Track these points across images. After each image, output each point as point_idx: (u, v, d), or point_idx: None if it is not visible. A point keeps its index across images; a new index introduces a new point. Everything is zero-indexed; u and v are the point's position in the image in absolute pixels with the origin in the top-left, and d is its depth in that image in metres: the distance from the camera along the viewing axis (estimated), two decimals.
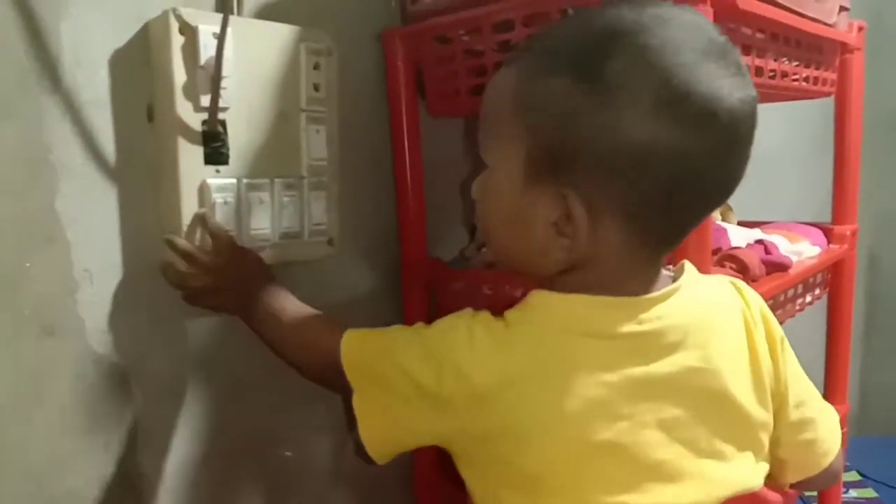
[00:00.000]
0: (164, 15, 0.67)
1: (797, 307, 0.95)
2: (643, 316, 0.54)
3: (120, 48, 0.68)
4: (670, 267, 0.60)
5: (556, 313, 0.54)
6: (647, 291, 0.55)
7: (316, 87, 0.77)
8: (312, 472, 0.88)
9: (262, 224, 0.74)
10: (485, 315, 0.56)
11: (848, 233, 1.04)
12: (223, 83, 0.68)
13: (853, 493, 1.70)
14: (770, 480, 0.62)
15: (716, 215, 1.02)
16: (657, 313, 0.54)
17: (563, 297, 0.55)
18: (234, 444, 0.80)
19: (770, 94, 0.93)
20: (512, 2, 0.75)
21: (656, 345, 0.54)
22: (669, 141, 0.49)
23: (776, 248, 0.88)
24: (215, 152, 0.70)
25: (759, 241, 0.88)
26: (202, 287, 0.69)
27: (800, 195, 1.90)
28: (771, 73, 0.82)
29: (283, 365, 0.82)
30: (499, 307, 0.57)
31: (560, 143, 0.51)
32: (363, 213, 0.89)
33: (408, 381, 0.55)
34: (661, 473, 0.53)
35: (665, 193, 0.51)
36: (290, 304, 0.68)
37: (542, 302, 0.55)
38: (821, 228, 1.04)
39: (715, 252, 0.81)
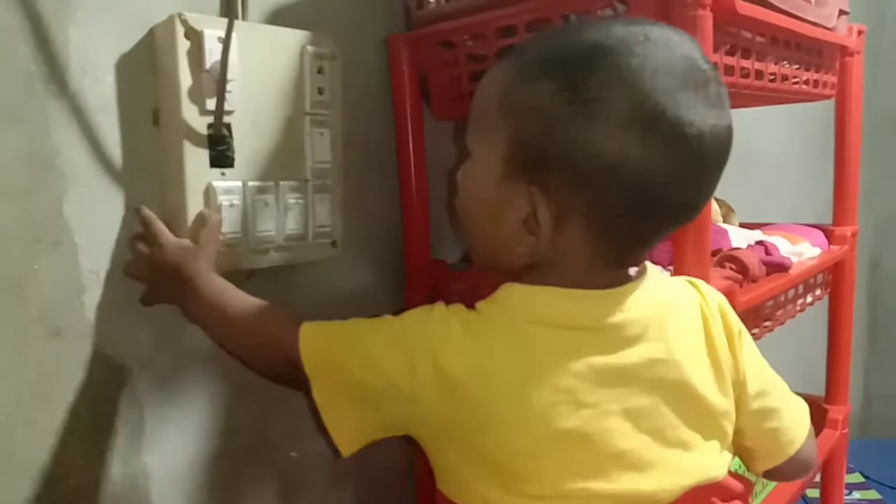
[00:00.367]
0: (170, 20, 0.67)
1: (798, 307, 0.95)
2: (607, 308, 0.56)
3: (126, 53, 0.68)
4: (634, 268, 0.62)
5: (524, 304, 0.56)
6: (612, 284, 0.57)
7: (320, 91, 0.77)
8: (317, 472, 0.88)
9: (268, 226, 0.74)
10: (458, 307, 0.58)
11: (848, 234, 1.04)
12: (228, 87, 0.68)
13: (857, 494, 1.70)
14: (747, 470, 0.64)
15: (717, 217, 1.02)
16: (620, 307, 0.56)
17: (530, 289, 0.57)
18: (239, 445, 0.80)
19: (770, 97, 0.94)
20: (515, 8, 0.76)
21: (619, 336, 0.55)
22: (637, 159, 0.51)
23: (777, 249, 0.88)
24: (221, 155, 0.70)
25: (760, 243, 0.88)
26: (142, 278, 0.69)
27: (802, 197, 1.90)
28: (771, 77, 0.82)
29: None
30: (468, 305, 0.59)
31: (536, 145, 0.53)
32: (367, 215, 0.90)
33: (375, 370, 0.55)
34: (627, 462, 0.54)
35: (628, 208, 0.53)
36: (234, 293, 0.65)
37: (510, 293, 0.57)
38: (821, 230, 1.04)
39: (716, 253, 0.82)
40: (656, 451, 0.56)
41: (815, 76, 0.93)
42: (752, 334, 0.82)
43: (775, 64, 0.83)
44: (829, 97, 1.00)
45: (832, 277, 1.07)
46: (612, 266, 0.57)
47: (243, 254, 0.73)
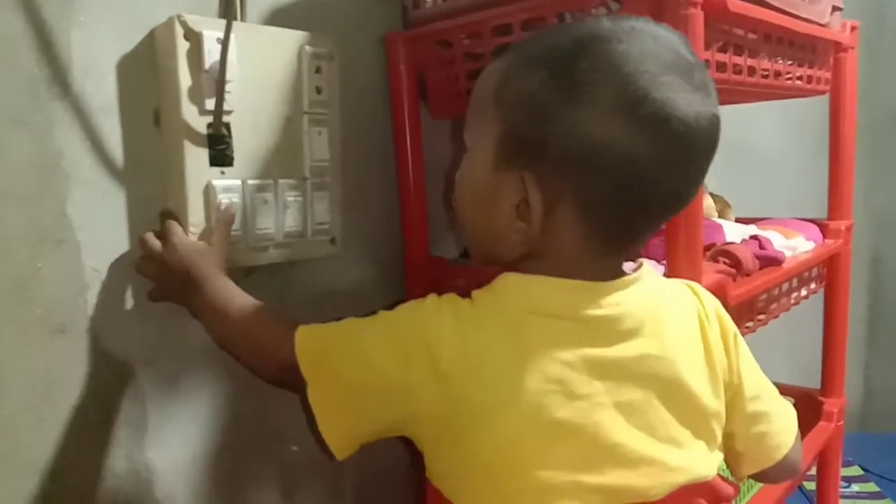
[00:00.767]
0: (170, 22, 0.68)
1: (792, 301, 0.96)
2: (603, 301, 0.56)
3: (127, 55, 0.69)
4: (630, 265, 0.62)
5: (519, 293, 0.56)
6: (608, 277, 0.57)
7: (318, 91, 0.78)
8: (318, 466, 0.89)
9: (267, 224, 0.75)
10: (451, 296, 0.58)
11: (843, 228, 1.05)
12: (227, 87, 0.69)
13: (856, 487, 1.71)
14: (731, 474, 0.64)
15: (712, 212, 1.03)
16: (616, 300, 0.56)
17: (526, 278, 0.57)
18: (241, 440, 0.82)
19: (764, 93, 0.95)
20: (510, 7, 0.76)
21: (614, 329, 0.56)
22: (622, 142, 0.52)
23: (770, 243, 0.89)
24: (220, 154, 0.71)
25: (754, 237, 0.89)
26: (151, 276, 0.69)
27: (799, 192, 1.91)
28: (764, 73, 0.83)
29: None
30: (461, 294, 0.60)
31: (527, 131, 0.55)
32: (366, 212, 0.91)
33: (369, 367, 0.56)
34: (618, 456, 0.54)
35: (615, 193, 0.53)
36: (237, 298, 0.66)
37: (507, 282, 0.58)
38: (816, 224, 1.05)
39: (710, 247, 0.83)
40: (648, 447, 0.55)
41: (809, 72, 0.94)
42: (746, 328, 0.83)
43: (768, 60, 0.83)
44: (823, 93, 1.01)
45: (827, 271, 1.08)
46: (604, 255, 0.57)
47: (243, 251, 0.75)
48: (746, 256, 0.80)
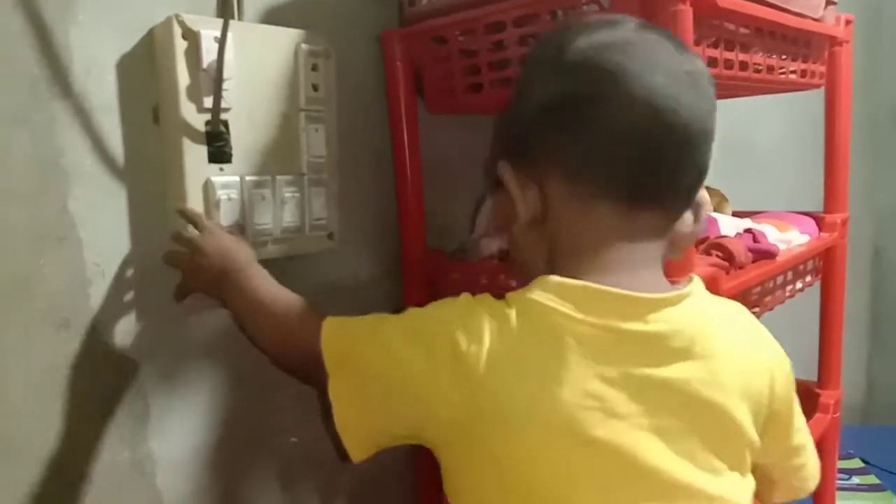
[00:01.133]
0: (168, 21, 0.69)
1: (787, 293, 0.97)
2: (651, 316, 0.53)
3: (126, 54, 0.71)
4: (678, 280, 0.61)
5: (561, 297, 0.53)
6: (652, 290, 0.55)
7: (315, 88, 0.80)
8: (317, 458, 0.90)
9: (265, 219, 0.77)
10: (485, 296, 0.56)
11: (838, 221, 1.06)
12: (225, 85, 0.71)
13: (856, 479, 1.71)
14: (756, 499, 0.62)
15: (708, 206, 1.04)
16: (665, 316, 0.53)
17: (568, 283, 0.54)
18: (241, 432, 0.83)
19: (758, 88, 0.95)
20: (504, 4, 0.77)
21: (661, 348, 0.53)
22: (570, 89, 0.55)
23: (765, 236, 0.90)
24: (219, 151, 0.72)
25: (748, 231, 0.90)
26: (185, 265, 0.69)
27: (801, 186, 1.91)
28: (756, 67, 0.84)
29: None
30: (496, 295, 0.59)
31: (507, 130, 0.59)
32: (363, 207, 0.92)
33: (392, 361, 0.54)
34: (655, 482, 0.52)
35: (588, 152, 0.55)
36: (267, 286, 0.66)
37: (546, 285, 0.54)
38: (813, 217, 1.06)
39: (704, 241, 0.84)
40: (687, 474, 0.53)
41: (804, 66, 0.95)
42: None
43: (761, 55, 0.84)
44: (818, 86, 1.01)
45: (823, 264, 1.08)
46: (630, 227, 0.55)
47: None
48: (739, 250, 0.81)
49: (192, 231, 0.70)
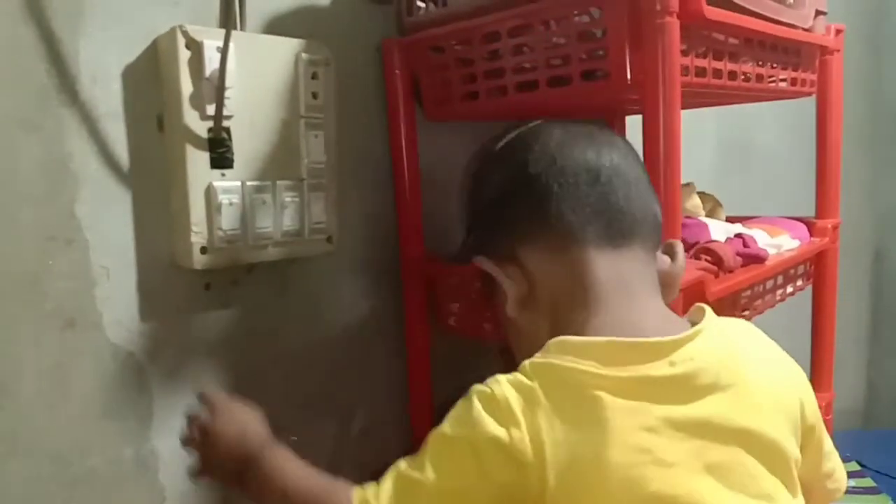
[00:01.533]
0: (172, 31, 0.72)
1: (778, 297, 0.99)
2: (674, 358, 0.53)
3: (131, 63, 0.73)
4: (684, 314, 0.63)
5: (579, 356, 0.53)
6: (667, 332, 0.55)
7: (314, 96, 0.82)
8: (317, 454, 0.91)
9: (266, 223, 0.79)
10: (499, 379, 0.54)
11: (829, 226, 1.07)
12: (227, 93, 0.73)
13: (851, 482, 1.72)
14: None
15: (700, 211, 1.06)
16: (688, 354, 0.54)
17: (584, 340, 0.54)
18: None
19: (748, 96, 0.97)
20: (499, 15, 0.79)
21: (690, 387, 0.53)
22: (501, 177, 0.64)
23: (754, 241, 0.92)
24: (221, 157, 0.75)
25: (738, 235, 0.92)
26: (202, 451, 0.65)
27: (799, 191, 1.92)
28: (745, 77, 0.85)
29: (287, 355, 0.87)
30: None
31: (476, 229, 0.69)
32: (362, 212, 0.94)
33: (444, 496, 0.52)
34: None
35: (527, 211, 0.61)
36: (287, 473, 0.62)
37: (562, 346, 0.54)
38: (804, 222, 1.08)
39: (694, 245, 0.86)
40: None
41: (794, 74, 0.96)
42: None
43: (750, 64, 0.86)
44: (808, 94, 1.03)
45: (814, 268, 1.10)
46: (615, 269, 0.58)
47: (243, 249, 0.78)
48: (728, 254, 0.83)
49: (204, 416, 0.66)
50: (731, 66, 0.82)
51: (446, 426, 0.54)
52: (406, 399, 1.00)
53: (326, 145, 0.83)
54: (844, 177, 1.12)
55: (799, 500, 0.58)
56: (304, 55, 0.80)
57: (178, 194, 0.75)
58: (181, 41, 0.72)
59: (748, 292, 0.90)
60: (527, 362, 0.54)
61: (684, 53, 0.73)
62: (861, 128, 2.28)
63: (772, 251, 0.94)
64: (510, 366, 0.55)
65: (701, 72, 0.77)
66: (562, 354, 0.54)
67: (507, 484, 0.50)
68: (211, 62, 0.72)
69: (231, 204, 0.75)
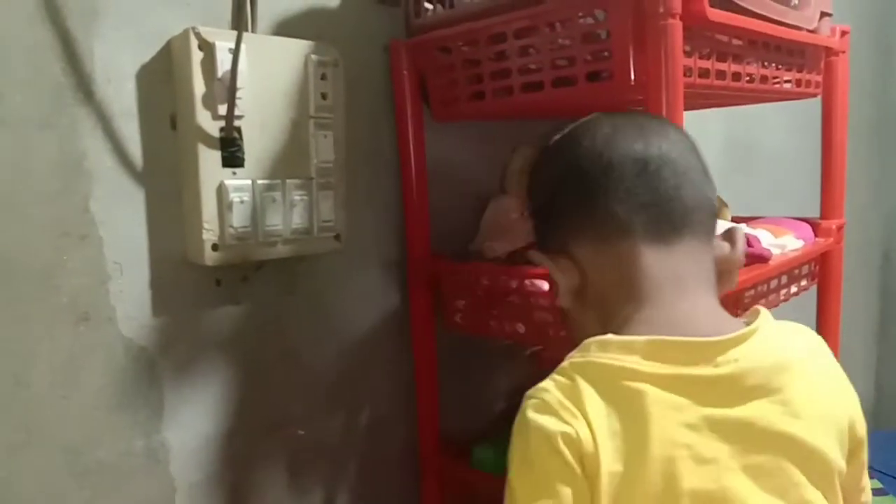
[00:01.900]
0: (185, 33, 0.73)
1: (782, 297, 0.99)
2: (720, 359, 0.54)
3: (145, 64, 0.74)
4: (742, 314, 0.63)
5: (622, 353, 0.54)
6: (716, 331, 0.55)
7: (323, 96, 0.83)
8: (324, 449, 0.94)
9: (275, 221, 0.80)
10: (543, 385, 0.55)
11: (834, 227, 1.08)
12: (238, 94, 0.74)
13: None
14: None
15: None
16: (734, 356, 0.54)
17: (627, 339, 0.55)
18: (251, 423, 0.86)
19: (753, 97, 0.98)
20: (505, 17, 0.80)
21: (734, 388, 0.53)
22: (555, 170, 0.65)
23: (758, 241, 0.92)
24: (232, 156, 0.76)
25: None
26: None
27: (804, 190, 1.92)
28: (749, 78, 0.86)
29: (297, 350, 0.88)
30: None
31: (535, 221, 0.69)
32: (370, 210, 0.95)
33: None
34: None
35: (573, 198, 0.62)
36: None
37: (604, 344, 0.55)
38: (809, 223, 1.08)
39: None
40: None
41: (798, 76, 0.97)
42: None
43: (755, 65, 0.86)
44: (814, 95, 1.03)
45: (819, 268, 1.11)
46: (663, 264, 0.58)
47: (253, 246, 0.79)
48: None
49: None
50: (734, 68, 0.82)
51: (522, 445, 0.54)
52: (413, 395, 1.01)
53: (335, 145, 0.85)
54: (852, 178, 1.13)
55: None
56: (313, 56, 0.82)
57: (190, 192, 0.76)
58: (194, 42, 0.73)
59: (751, 291, 0.90)
60: (566, 362, 0.56)
61: (687, 55, 0.73)
62: (869, 129, 2.28)
63: (776, 251, 0.94)
64: (538, 370, 0.57)
65: (704, 73, 0.78)
66: (604, 352, 0.55)
67: (582, 477, 0.51)
68: (223, 63, 0.74)
69: (242, 202, 0.77)
